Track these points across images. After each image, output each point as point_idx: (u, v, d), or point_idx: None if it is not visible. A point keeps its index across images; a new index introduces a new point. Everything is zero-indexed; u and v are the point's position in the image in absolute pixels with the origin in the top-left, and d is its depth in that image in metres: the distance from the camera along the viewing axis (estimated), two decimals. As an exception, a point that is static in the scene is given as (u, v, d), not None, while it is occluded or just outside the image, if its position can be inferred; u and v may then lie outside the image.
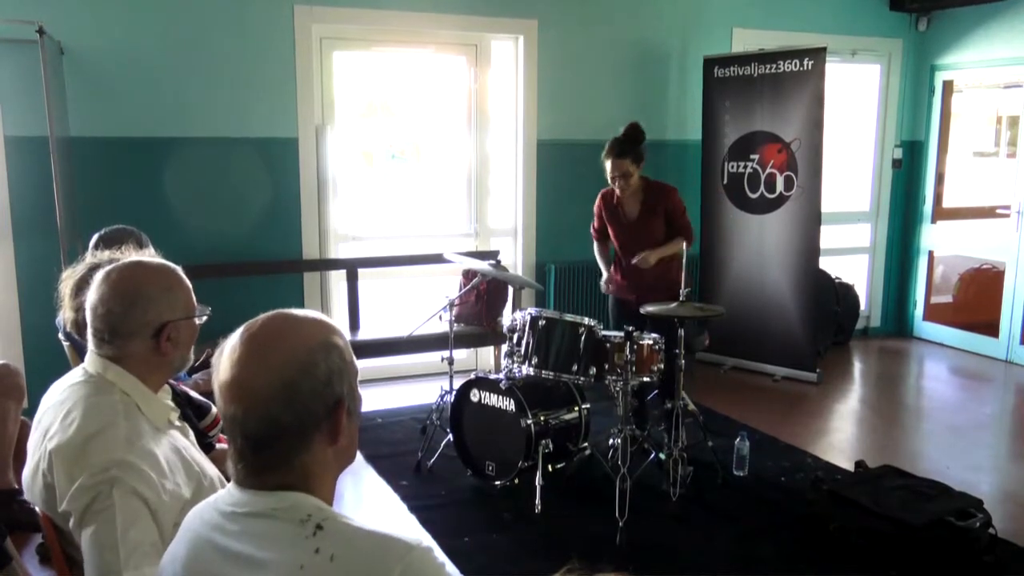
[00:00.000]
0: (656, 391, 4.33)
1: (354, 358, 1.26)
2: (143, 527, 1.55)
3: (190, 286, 1.80)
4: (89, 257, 2.08)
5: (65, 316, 2.04)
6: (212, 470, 1.78)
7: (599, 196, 4.47)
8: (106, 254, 2.09)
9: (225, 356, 1.20)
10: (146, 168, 4.69)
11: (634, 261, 4.20)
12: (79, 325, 1.98)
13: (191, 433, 1.89)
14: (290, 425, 1.17)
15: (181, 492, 1.63)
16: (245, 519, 1.18)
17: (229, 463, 1.22)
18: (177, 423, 1.81)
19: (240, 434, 1.17)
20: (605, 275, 4.49)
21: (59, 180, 4.02)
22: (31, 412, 1.90)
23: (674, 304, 3.76)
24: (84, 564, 1.57)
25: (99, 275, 1.75)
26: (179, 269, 1.80)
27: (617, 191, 4.28)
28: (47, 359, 3.82)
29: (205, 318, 1.82)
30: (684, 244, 4.18)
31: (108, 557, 1.52)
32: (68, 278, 2.05)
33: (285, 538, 1.15)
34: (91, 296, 1.73)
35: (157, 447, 1.67)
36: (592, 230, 4.55)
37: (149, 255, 2.35)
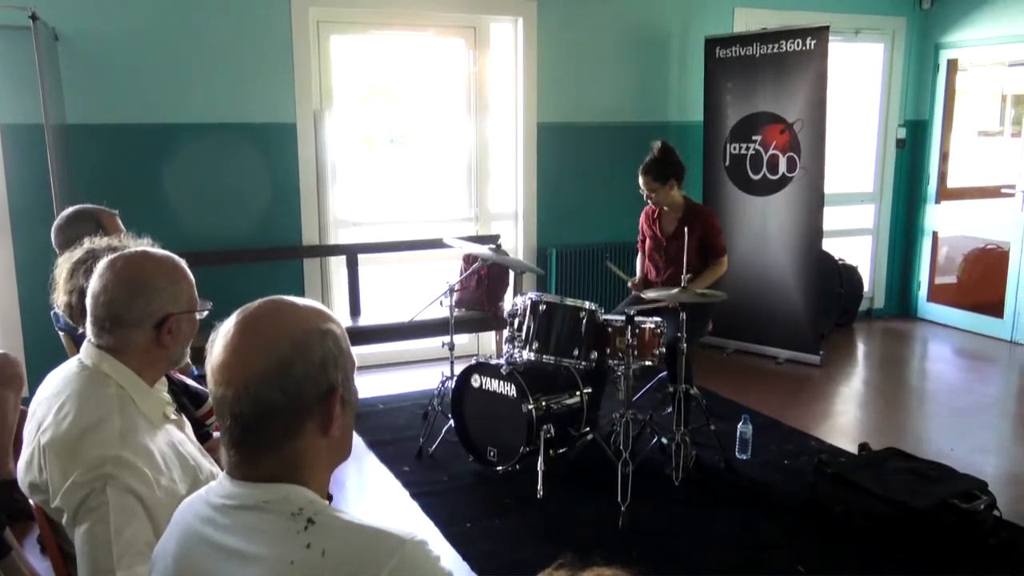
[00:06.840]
0: (658, 376, 4.31)
1: (351, 349, 1.24)
2: (137, 525, 1.53)
3: (193, 280, 1.79)
4: (87, 243, 2.06)
5: (58, 299, 2.02)
6: (208, 464, 1.77)
7: (644, 211, 4.50)
8: (104, 241, 2.06)
9: (219, 340, 1.18)
10: (143, 155, 4.66)
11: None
12: (71, 308, 1.96)
13: (188, 426, 1.86)
14: (281, 407, 1.14)
15: (176, 488, 1.61)
16: (236, 512, 1.16)
17: (222, 450, 1.20)
18: (173, 416, 1.79)
19: (230, 414, 1.15)
20: (637, 276, 4.47)
21: (55, 168, 3.99)
22: (30, 401, 1.88)
23: (675, 290, 3.74)
24: (77, 561, 1.55)
25: (103, 263, 1.72)
26: (184, 262, 1.79)
27: (651, 206, 4.34)
28: (46, 348, 3.80)
29: (206, 313, 1.80)
30: (722, 266, 4.23)
31: (101, 555, 1.50)
32: (64, 262, 2.02)
33: (276, 532, 1.13)
34: (94, 284, 1.70)
35: (152, 442, 1.64)
36: (639, 243, 4.56)
37: (121, 236, 2.33)
